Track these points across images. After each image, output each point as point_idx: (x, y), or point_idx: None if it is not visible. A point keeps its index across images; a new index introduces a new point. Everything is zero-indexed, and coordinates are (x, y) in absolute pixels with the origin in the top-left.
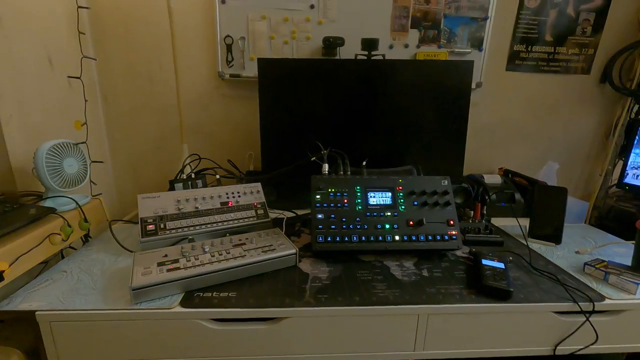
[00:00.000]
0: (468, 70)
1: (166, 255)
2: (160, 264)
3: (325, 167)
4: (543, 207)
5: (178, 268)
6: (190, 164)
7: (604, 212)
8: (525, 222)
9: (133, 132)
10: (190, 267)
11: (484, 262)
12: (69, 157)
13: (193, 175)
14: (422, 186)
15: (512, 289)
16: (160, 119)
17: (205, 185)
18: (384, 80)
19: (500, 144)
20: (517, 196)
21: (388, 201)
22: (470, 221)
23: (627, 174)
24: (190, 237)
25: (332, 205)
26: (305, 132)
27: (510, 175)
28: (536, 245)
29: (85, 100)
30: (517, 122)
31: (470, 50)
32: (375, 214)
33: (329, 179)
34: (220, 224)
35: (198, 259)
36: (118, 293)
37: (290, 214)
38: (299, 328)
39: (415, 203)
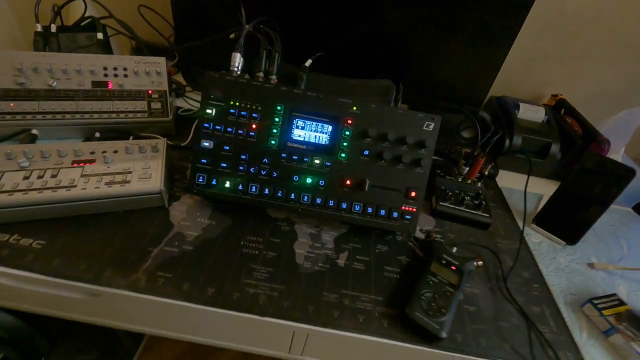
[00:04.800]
0: None
1: None
2: None
3: (237, 58)
4: (580, 186)
5: None
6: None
7: None
8: (547, 187)
9: None
10: None
11: (435, 265)
12: None
13: (54, 28)
14: (388, 124)
15: (444, 335)
16: None
17: (104, 32)
18: None
19: (573, 55)
20: (554, 148)
21: (324, 140)
22: (460, 180)
23: None
24: (33, 130)
25: (229, 129)
26: None
27: (563, 111)
28: (538, 238)
29: None
30: (619, 22)
31: None
32: (295, 157)
33: (236, 82)
34: (87, 115)
35: (1, 178)
36: None
37: None
38: (122, 310)
39: (367, 152)
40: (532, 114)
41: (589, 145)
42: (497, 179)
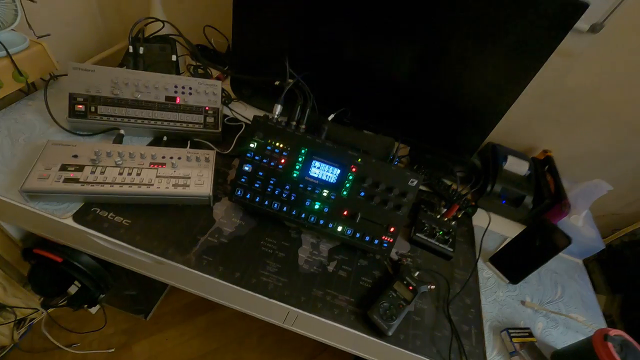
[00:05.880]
0: None
1: (76, 156)
2: (63, 168)
3: (278, 109)
4: (529, 240)
5: (77, 180)
6: (146, 27)
7: (617, 249)
8: (516, 230)
9: None
10: (91, 182)
11: (398, 283)
12: None
13: (141, 50)
14: (381, 176)
15: (390, 334)
16: None
17: (175, 53)
18: None
19: (568, 120)
20: (527, 200)
21: (332, 179)
22: (439, 217)
23: None
24: (121, 130)
25: (264, 160)
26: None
27: (546, 167)
28: (489, 274)
29: None
30: (613, 98)
31: None
32: (309, 187)
33: (274, 127)
34: (159, 122)
35: (105, 172)
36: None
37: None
38: (178, 276)
39: (362, 194)
40: (517, 167)
41: (555, 204)
42: (474, 216)
